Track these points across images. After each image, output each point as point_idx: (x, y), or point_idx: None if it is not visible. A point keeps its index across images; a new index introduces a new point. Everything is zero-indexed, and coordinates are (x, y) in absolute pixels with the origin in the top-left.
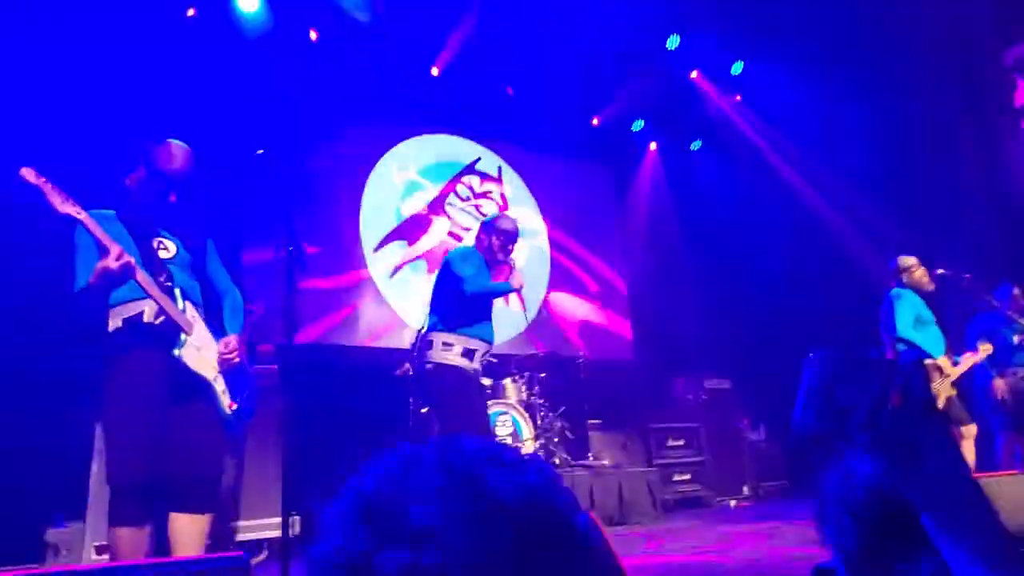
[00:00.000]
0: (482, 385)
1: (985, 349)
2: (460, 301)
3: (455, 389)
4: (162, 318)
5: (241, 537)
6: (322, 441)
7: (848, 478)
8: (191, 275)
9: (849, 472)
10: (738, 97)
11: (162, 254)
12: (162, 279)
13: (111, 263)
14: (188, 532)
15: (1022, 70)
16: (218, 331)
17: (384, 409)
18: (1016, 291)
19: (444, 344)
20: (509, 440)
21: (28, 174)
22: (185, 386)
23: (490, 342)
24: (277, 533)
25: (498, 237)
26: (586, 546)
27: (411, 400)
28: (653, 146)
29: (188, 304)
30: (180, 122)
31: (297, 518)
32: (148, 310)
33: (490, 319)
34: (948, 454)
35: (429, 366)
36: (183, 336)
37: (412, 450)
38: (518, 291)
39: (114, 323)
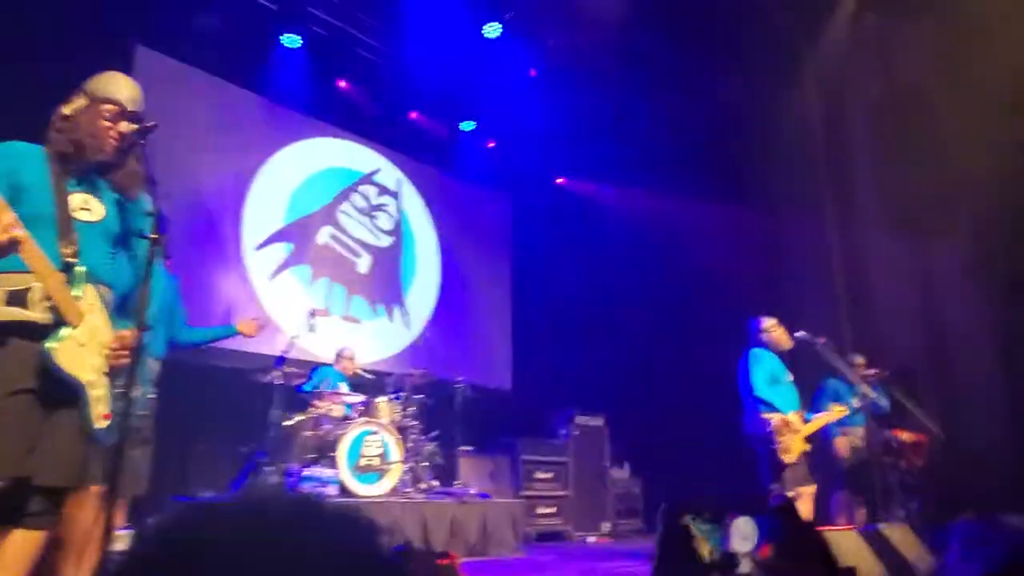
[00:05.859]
0: None
1: (840, 410)
2: None
3: None
4: (49, 302)
5: None
6: (173, 449)
7: None
8: (112, 248)
9: None
10: None
11: (82, 215)
12: (68, 252)
13: None
14: (20, 550)
15: None
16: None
17: (246, 418)
18: (859, 359)
19: None
20: (377, 461)
21: None
22: (51, 387)
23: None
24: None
25: None
26: None
27: (272, 411)
28: (560, 181)
29: (90, 288)
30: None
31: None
32: (37, 286)
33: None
34: None
35: None
36: (64, 329)
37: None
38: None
39: None
